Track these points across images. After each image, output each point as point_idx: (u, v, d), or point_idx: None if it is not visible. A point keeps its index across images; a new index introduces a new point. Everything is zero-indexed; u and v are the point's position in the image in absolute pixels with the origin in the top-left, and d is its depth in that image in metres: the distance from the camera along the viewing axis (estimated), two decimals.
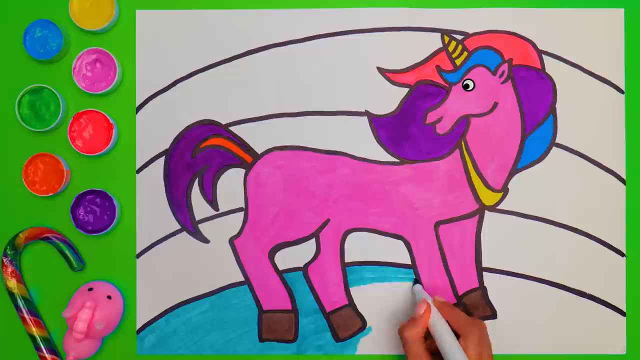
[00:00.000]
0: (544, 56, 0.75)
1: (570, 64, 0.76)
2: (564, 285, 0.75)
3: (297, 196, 0.75)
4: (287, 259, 0.75)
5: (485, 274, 0.75)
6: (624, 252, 0.75)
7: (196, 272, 0.75)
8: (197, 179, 0.75)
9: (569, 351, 0.75)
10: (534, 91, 0.75)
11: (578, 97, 0.75)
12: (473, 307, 0.75)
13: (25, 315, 0.73)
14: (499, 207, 0.75)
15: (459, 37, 0.75)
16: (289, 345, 0.75)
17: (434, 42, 0.75)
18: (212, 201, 0.75)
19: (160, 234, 0.75)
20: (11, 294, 0.73)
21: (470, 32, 0.75)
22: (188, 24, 0.76)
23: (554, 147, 0.75)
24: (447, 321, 0.67)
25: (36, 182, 0.73)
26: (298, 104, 0.75)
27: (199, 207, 0.75)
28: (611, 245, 0.75)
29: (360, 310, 0.75)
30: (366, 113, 0.75)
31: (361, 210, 0.75)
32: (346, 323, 0.75)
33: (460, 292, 0.75)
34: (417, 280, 0.75)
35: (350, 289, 0.75)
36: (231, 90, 0.75)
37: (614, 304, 0.75)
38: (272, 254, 0.75)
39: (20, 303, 0.73)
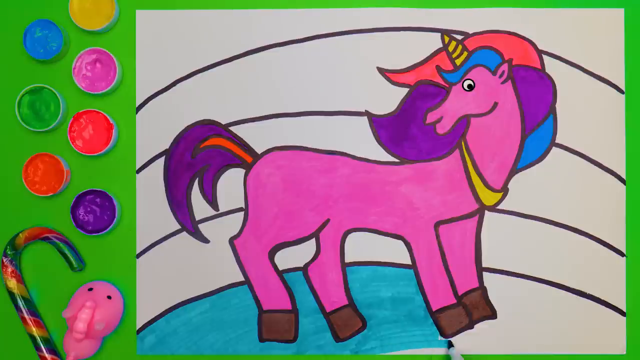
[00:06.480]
0: (544, 56, 0.75)
1: (570, 64, 0.76)
2: (564, 285, 0.75)
3: (297, 196, 0.75)
4: (287, 259, 0.75)
5: (485, 273, 0.75)
6: (624, 252, 0.75)
7: (196, 272, 0.75)
8: (197, 179, 0.75)
9: (569, 351, 0.75)
10: (534, 91, 0.75)
11: (578, 97, 0.75)
12: (473, 307, 0.75)
13: (25, 315, 0.73)
14: (499, 207, 0.75)
15: (459, 37, 0.75)
16: (289, 345, 0.75)
17: (434, 42, 0.75)
18: (212, 201, 0.75)
19: (160, 234, 0.75)
20: (11, 294, 0.73)
21: (470, 32, 0.75)
22: (188, 24, 0.76)
23: (554, 147, 0.75)
24: None
25: (36, 182, 0.73)
26: (298, 104, 0.75)
27: (199, 207, 0.75)
28: (611, 245, 0.75)
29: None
30: (366, 113, 0.75)
31: (361, 210, 0.75)
32: (346, 323, 0.75)
33: (460, 292, 0.75)
34: (451, 344, 0.74)
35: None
36: (231, 90, 0.75)
37: (614, 304, 0.75)
38: (272, 254, 0.75)
39: (20, 303, 0.73)
